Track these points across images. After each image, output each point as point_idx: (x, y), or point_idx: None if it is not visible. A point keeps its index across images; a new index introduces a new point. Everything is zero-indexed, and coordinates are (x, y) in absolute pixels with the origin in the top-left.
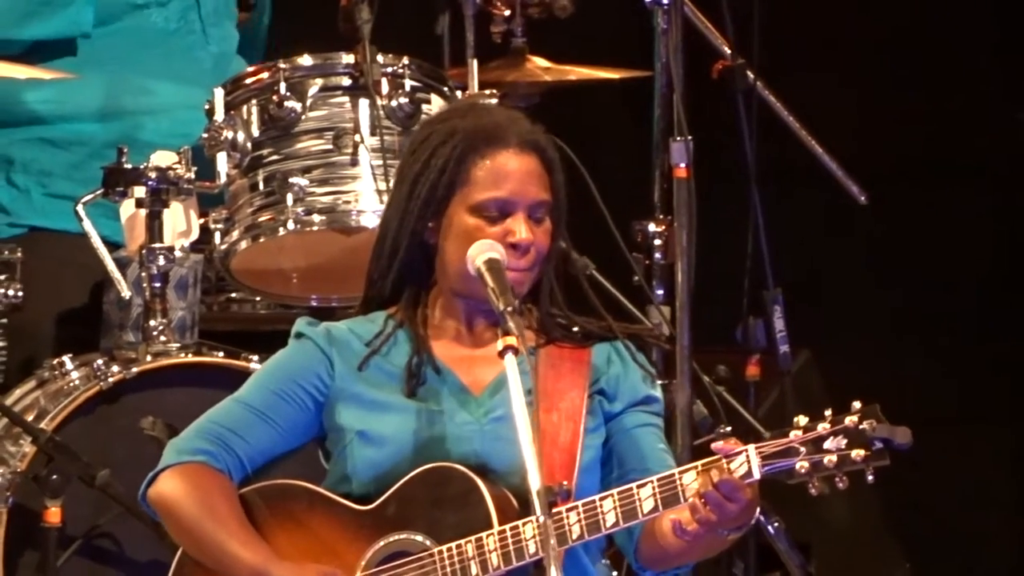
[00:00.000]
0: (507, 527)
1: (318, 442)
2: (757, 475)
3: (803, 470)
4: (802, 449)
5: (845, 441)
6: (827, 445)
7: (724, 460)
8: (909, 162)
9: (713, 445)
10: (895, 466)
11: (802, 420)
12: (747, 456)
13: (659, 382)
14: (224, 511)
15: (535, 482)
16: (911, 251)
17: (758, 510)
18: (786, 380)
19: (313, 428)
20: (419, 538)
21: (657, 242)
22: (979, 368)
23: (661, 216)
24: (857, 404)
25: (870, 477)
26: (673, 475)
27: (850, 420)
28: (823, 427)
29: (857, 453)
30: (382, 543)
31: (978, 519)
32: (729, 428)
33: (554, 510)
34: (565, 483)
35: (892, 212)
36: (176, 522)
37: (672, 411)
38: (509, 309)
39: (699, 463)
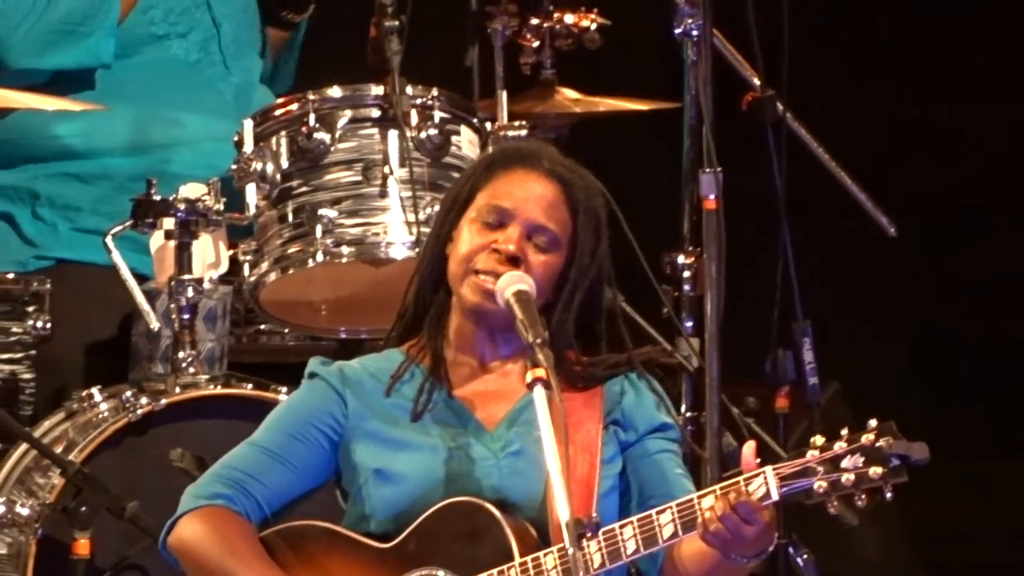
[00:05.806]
0: (528, 559)
1: (335, 482)
2: (775, 496)
3: (821, 489)
4: (820, 469)
5: (862, 459)
6: (844, 464)
7: (742, 482)
8: (939, 194)
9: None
10: (924, 497)
11: (819, 440)
12: (765, 477)
13: (674, 412)
14: (245, 550)
15: (564, 514)
16: (940, 283)
17: (785, 540)
18: (815, 412)
19: (329, 468)
20: (441, 574)
21: (686, 274)
22: (1012, 401)
23: (690, 248)
24: (873, 422)
25: (888, 494)
26: (692, 499)
27: (866, 438)
28: (840, 446)
29: (875, 470)
30: None
31: (1007, 550)
32: (759, 460)
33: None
34: (595, 515)
35: (921, 244)
36: (198, 566)
37: (701, 443)
38: (539, 342)
39: (717, 487)
